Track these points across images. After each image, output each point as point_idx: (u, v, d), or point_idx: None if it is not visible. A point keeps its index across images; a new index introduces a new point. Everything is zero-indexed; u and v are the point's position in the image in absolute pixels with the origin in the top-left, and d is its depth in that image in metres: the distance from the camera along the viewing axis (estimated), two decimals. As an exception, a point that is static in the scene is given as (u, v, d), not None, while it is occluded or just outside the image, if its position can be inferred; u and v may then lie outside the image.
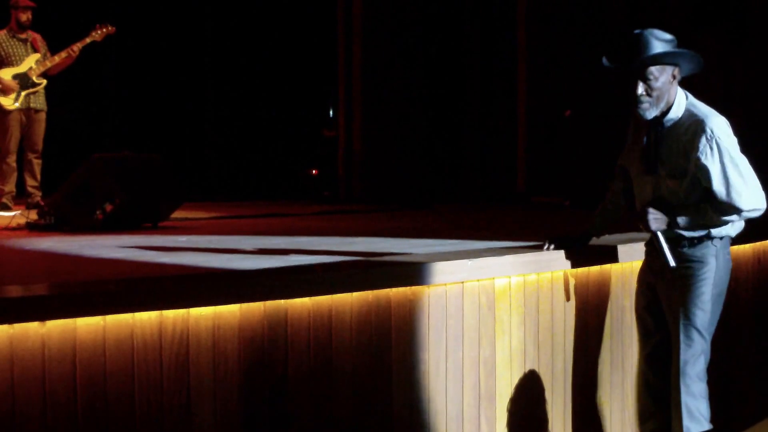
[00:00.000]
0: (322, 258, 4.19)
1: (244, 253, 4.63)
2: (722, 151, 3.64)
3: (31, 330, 2.84)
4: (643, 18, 8.42)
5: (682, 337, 3.76)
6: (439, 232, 5.86)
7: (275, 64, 11.83)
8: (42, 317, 2.85)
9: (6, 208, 7.51)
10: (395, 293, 3.59)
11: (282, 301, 3.30)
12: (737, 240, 3.96)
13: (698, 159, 3.64)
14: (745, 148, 3.74)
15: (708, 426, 3.79)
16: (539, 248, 4.14)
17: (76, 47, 7.66)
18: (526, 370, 4.07)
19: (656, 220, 3.70)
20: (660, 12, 8.94)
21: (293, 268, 3.84)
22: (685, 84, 3.83)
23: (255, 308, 3.24)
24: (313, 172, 11.40)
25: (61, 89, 8.15)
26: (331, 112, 11.70)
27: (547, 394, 4.16)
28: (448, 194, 10.33)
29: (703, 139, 3.64)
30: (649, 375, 4.01)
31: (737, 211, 3.68)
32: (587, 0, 9.79)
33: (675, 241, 3.76)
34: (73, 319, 2.90)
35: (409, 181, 10.28)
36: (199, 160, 11.63)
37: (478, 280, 3.87)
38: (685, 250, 3.77)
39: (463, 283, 3.80)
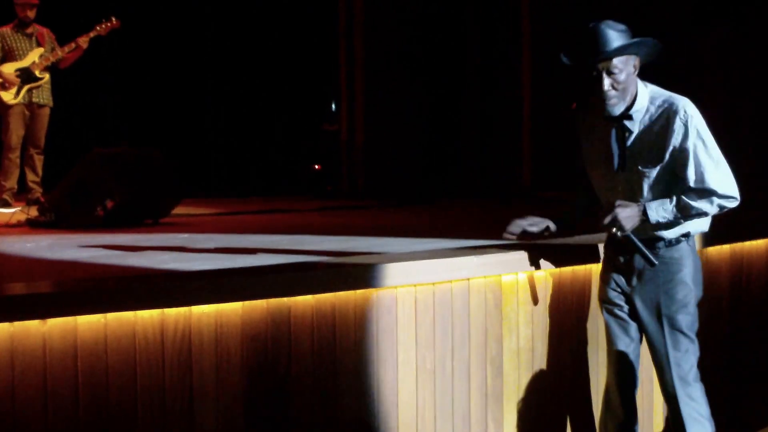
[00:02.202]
0: (324, 256, 4.14)
1: (246, 250, 4.59)
2: (698, 131, 3.53)
3: (32, 328, 2.82)
4: (645, 12, 8.35)
5: (669, 344, 3.66)
6: (443, 228, 5.82)
7: (277, 58, 11.79)
8: (43, 315, 2.83)
9: (6, 204, 7.47)
10: (399, 291, 3.55)
11: (285, 299, 3.26)
12: (750, 236, 3.87)
13: (676, 140, 3.52)
14: (745, 146, 3.67)
15: (710, 426, 3.73)
16: (546, 245, 4.08)
17: (83, 39, 7.64)
18: (535, 369, 4.02)
19: (629, 218, 3.51)
20: (661, 8, 8.87)
21: (296, 265, 3.79)
22: (681, 83, 3.75)
23: (258, 306, 3.21)
24: (317, 167, 11.36)
25: (63, 84, 8.11)
26: (333, 107, 11.66)
27: (556, 393, 4.12)
28: (452, 189, 10.26)
29: (678, 120, 3.52)
30: (618, 384, 3.87)
31: (711, 193, 3.51)
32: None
33: (651, 242, 3.64)
34: (74, 317, 2.87)
35: (412, 175, 10.23)
36: (201, 156, 11.59)
37: (484, 277, 3.82)
38: (662, 251, 3.65)
39: (468, 280, 3.76)
